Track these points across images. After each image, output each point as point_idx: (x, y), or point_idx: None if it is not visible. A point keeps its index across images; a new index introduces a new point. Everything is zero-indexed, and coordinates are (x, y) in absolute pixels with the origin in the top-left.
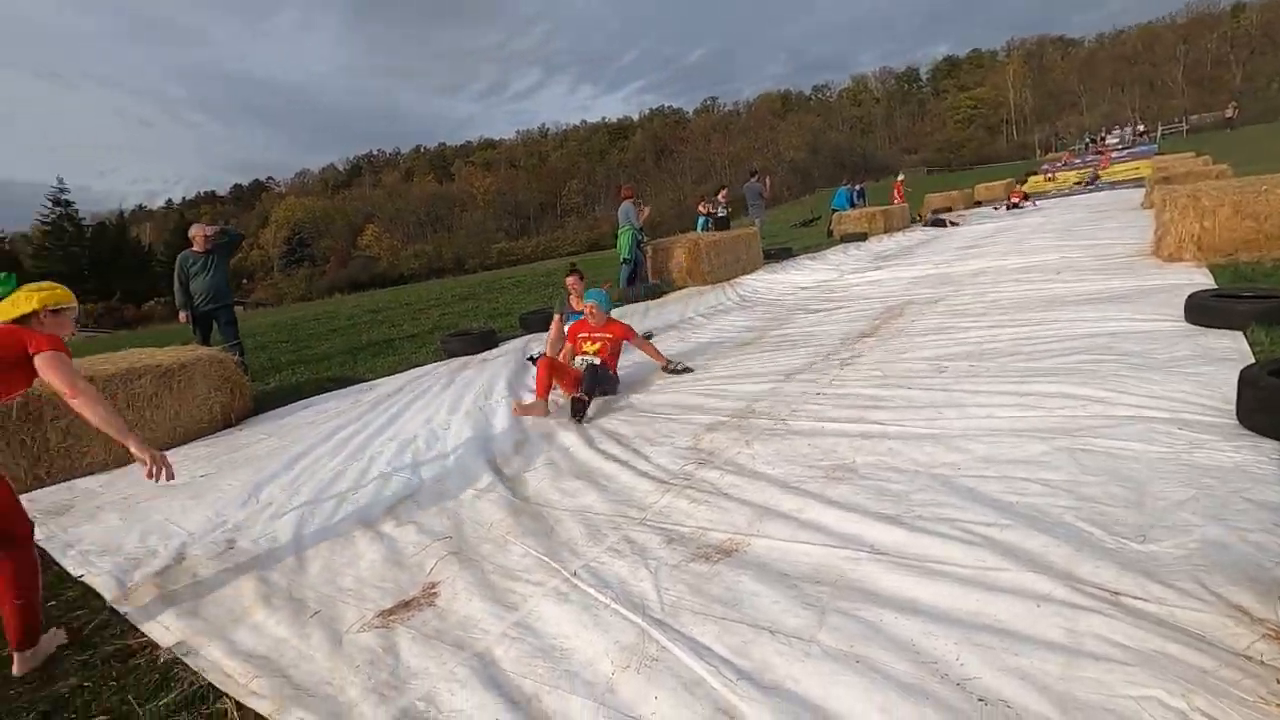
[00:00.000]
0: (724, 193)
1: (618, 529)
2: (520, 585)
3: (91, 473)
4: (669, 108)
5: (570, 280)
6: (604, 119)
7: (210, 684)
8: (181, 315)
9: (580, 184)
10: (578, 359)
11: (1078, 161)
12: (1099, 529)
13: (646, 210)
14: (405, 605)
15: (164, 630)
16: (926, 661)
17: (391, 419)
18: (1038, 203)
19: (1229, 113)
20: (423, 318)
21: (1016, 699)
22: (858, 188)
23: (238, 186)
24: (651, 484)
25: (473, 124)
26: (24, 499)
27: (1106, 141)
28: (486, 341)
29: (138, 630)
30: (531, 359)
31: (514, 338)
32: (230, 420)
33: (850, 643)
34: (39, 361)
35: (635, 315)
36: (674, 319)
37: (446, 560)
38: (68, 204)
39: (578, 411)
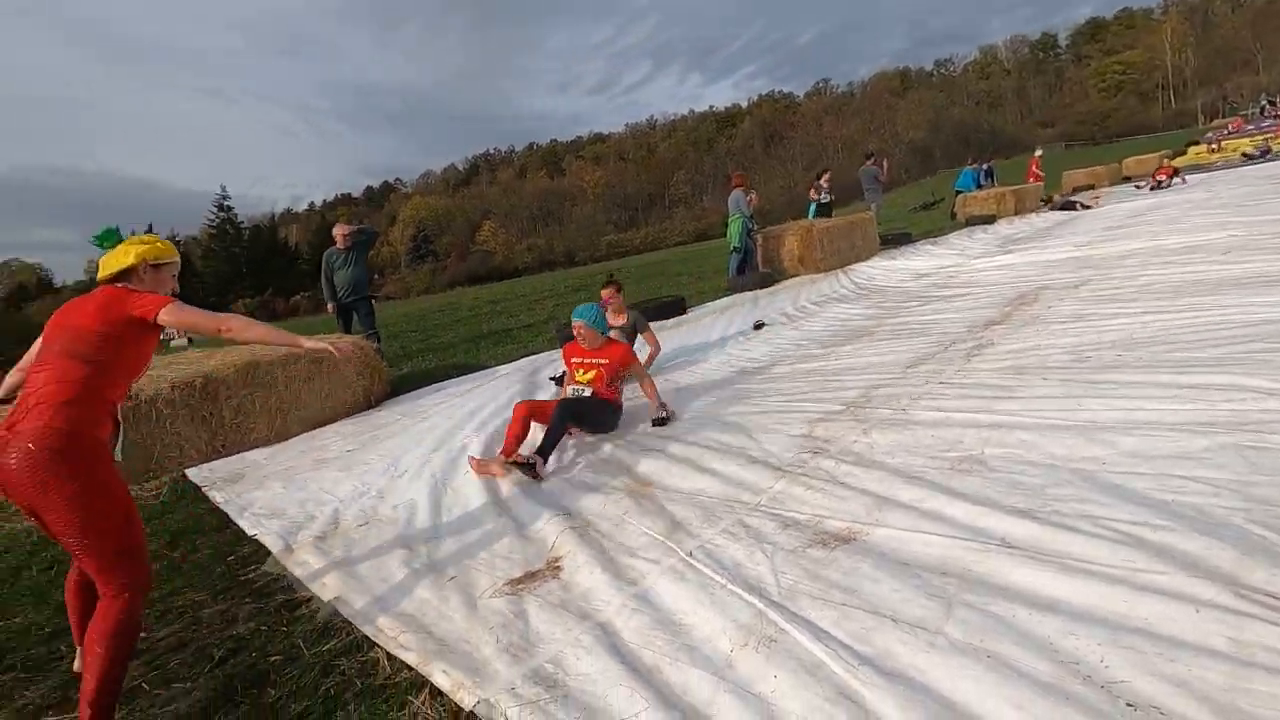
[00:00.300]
0: (826, 176)
1: (732, 512)
2: (638, 562)
3: (257, 446)
4: (779, 93)
5: (606, 293)
6: (711, 108)
7: (364, 635)
8: (330, 306)
9: (688, 174)
10: (570, 389)
11: (1251, 128)
12: (1274, 533)
13: (755, 197)
14: (531, 576)
15: (323, 586)
16: (1066, 661)
17: (511, 401)
18: (1186, 178)
19: None
20: (538, 308)
21: (1172, 707)
22: (985, 166)
23: (369, 188)
24: (765, 471)
25: (583, 119)
26: (204, 468)
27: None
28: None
29: (302, 585)
30: (555, 379)
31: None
32: (370, 402)
33: (980, 637)
34: (165, 317)
35: (745, 305)
36: (786, 308)
37: (567, 535)
38: (229, 209)
39: (526, 471)
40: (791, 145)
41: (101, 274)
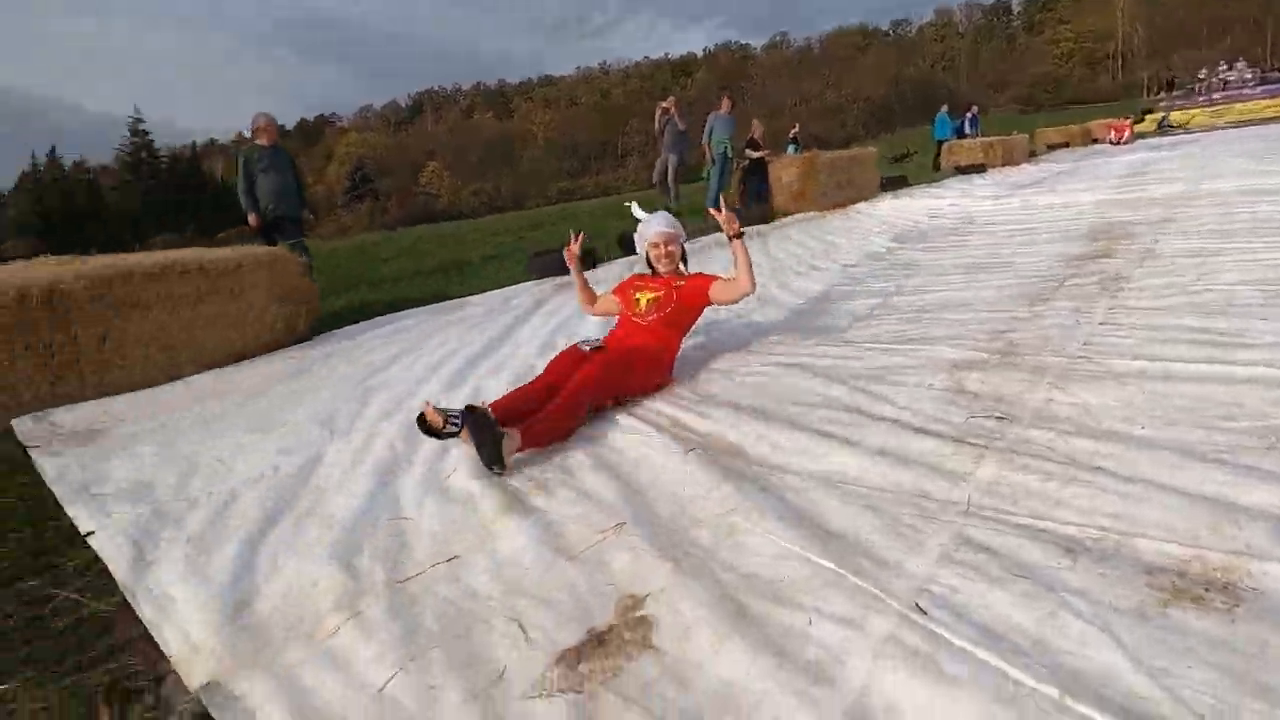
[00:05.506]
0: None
1: (931, 518)
2: (807, 621)
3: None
4: (735, 44)
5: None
6: (666, 55)
7: None
8: (251, 219)
9: (641, 122)
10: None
11: (1202, 99)
12: None
13: (759, 127)
14: (600, 644)
15: (190, 646)
16: None
17: (490, 345)
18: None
19: None
20: (493, 242)
21: None
22: (970, 115)
23: (303, 120)
24: (937, 442)
25: (536, 62)
26: (40, 420)
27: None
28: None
29: (151, 638)
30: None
31: (615, 259)
32: (294, 337)
33: None
34: None
35: (753, 241)
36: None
37: (642, 553)
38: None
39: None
40: (750, 97)
41: None
